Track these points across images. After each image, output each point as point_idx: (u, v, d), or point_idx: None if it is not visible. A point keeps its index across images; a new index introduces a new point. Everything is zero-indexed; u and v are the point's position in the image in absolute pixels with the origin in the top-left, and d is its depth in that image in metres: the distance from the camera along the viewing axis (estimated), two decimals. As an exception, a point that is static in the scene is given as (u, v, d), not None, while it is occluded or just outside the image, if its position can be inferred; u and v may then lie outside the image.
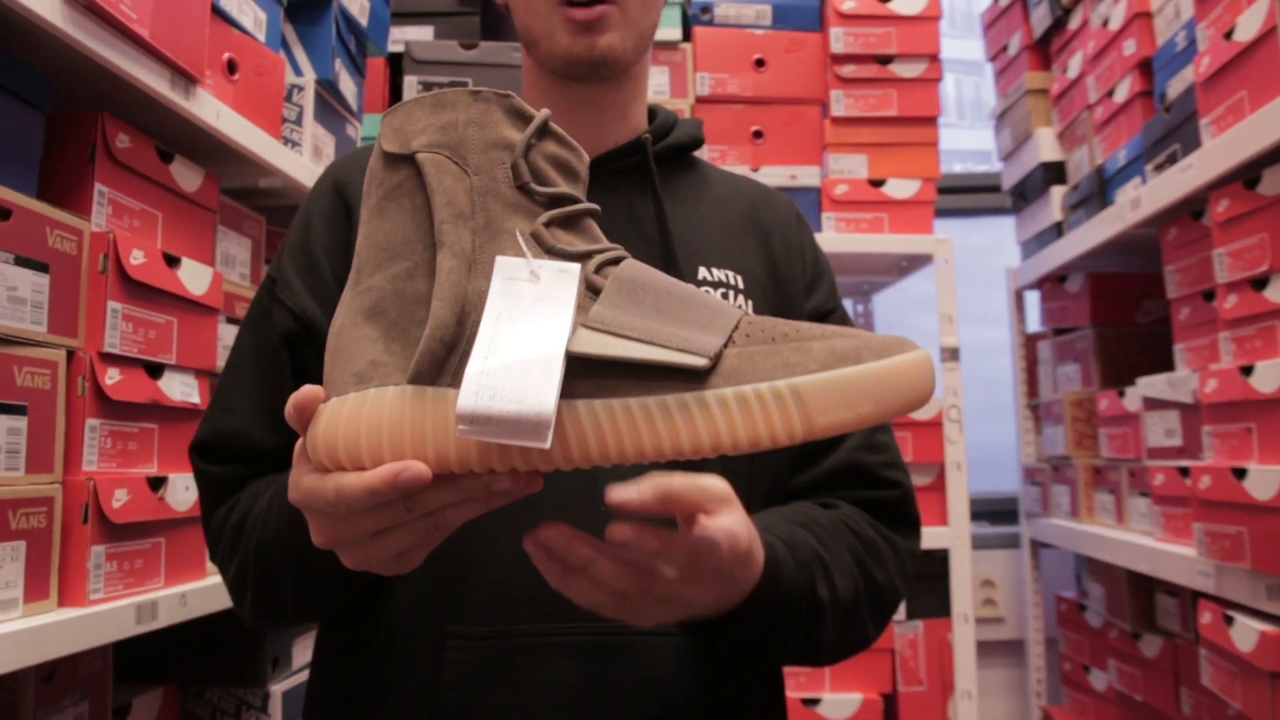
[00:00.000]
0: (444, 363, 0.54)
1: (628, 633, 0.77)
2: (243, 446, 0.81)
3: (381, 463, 0.53)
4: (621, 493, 0.56)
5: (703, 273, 0.87)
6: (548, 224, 0.58)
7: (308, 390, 0.56)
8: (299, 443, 0.58)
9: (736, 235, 0.91)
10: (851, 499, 0.86)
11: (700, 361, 0.52)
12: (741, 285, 0.88)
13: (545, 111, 0.60)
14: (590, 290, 0.56)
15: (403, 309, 0.57)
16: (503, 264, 0.56)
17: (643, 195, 0.88)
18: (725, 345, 0.54)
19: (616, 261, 0.59)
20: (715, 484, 0.61)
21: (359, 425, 0.53)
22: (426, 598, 0.77)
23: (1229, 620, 1.32)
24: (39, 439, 0.93)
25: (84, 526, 0.96)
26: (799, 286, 0.92)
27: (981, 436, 2.51)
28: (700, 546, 0.59)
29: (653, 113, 0.94)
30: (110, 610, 0.97)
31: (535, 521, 0.60)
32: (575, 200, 0.60)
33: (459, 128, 0.59)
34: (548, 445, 0.50)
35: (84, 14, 0.94)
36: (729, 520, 0.61)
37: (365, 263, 0.58)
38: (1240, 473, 1.26)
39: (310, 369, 0.81)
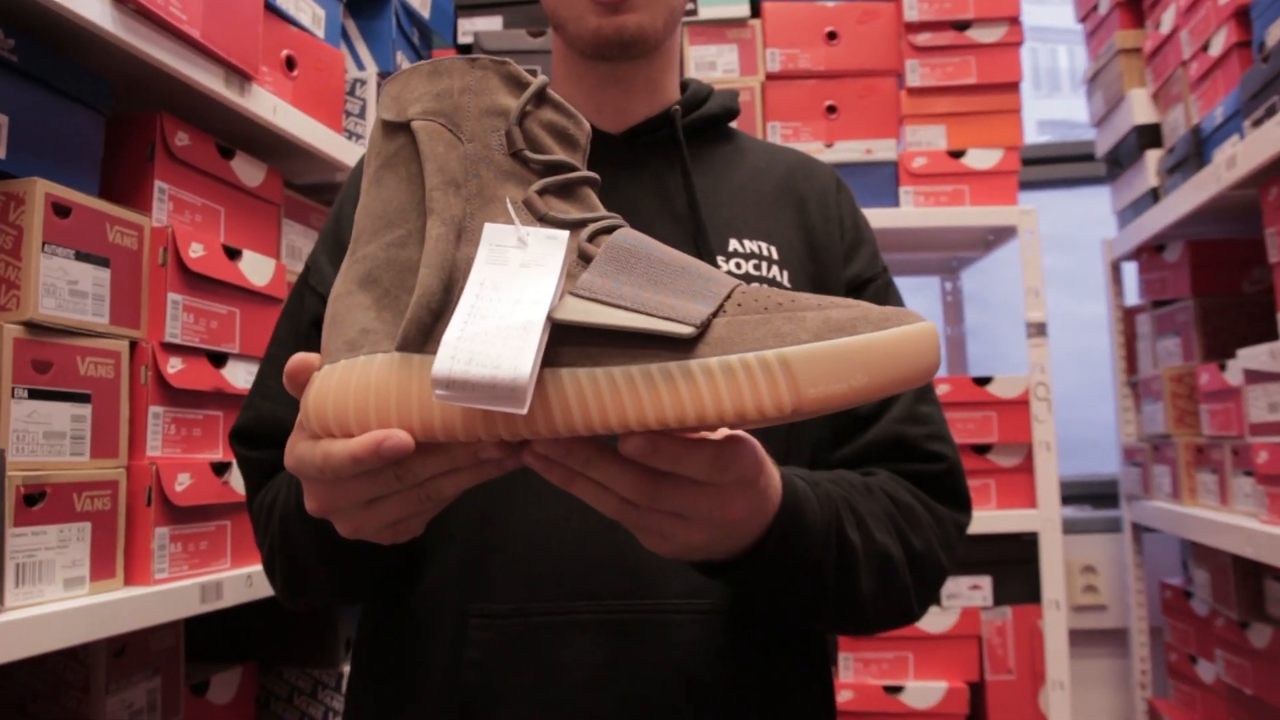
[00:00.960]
0: (431, 330, 0.54)
1: (653, 610, 0.76)
2: (280, 431, 0.82)
3: (368, 430, 0.53)
4: (633, 442, 0.53)
5: (734, 245, 0.85)
6: (541, 192, 0.57)
7: (301, 357, 0.57)
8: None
9: (771, 205, 0.89)
10: (894, 472, 0.83)
11: (686, 330, 0.51)
12: (776, 256, 0.86)
13: (542, 78, 0.60)
14: (582, 259, 0.56)
15: (395, 277, 0.57)
16: (491, 231, 0.55)
17: (671, 168, 0.87)
18: (715, 314, 0.53)
19: (611, 230, 0.58)
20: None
21: (347, 392, 0.54)
22: (452, 577, 0.78)
23: (1337, 607, 1.23)
24: (103, 425, 0.97)
25: (148, 509, 1.00)
26: (837, 254, 0.89)
27: (1081, 416, 2.40)
28: (724, 448, 0.56)
29: (685, 85, 0.93)
30: (175, 589, 1.02)
31: (562, 502, 0.58)
32: (571, 168, 0.59)
33: (454, 95, 0.59)
34: (524, 410, 0.50)
35: (135, 18, 0.98)
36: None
37: (362, 231, 0.59)
38: (1345, 448, 1.17)
39: None
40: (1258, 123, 1.49)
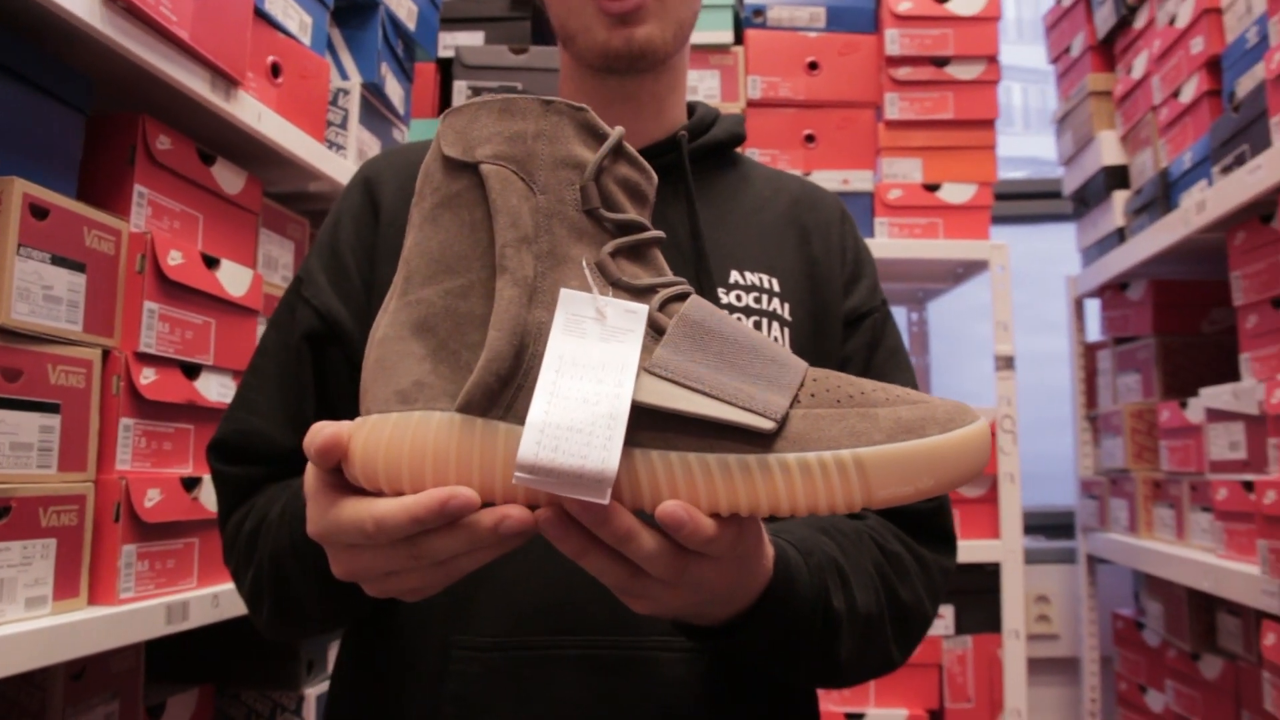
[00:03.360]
0: (497, 395, 0.52)
1: (638, 647, 0.74)
2: (263, 447, 0.80)
3: (422, 490, 0.52)
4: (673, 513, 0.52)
5: (735, 276, 0.84)
6: (614, 253, 0.56)
7: (336, 431, 0.54)
8: (311, 475, 0.57)
9: (775, 236, 0.88)
10: (881, 511, 0.83)
11: (768, 425, 0.51)
12: (777, 289, 0.85)
13: (619, 129, 0.58)
14: (653, 329, 0.54)
15: (454, 328, 0.55)
16: (567, 298, 0.54)
17: (676, 195, 0.86)
18: (791, 405, 0.53)
19: (681, 297, 0.56)
20: None
21: (401, 448, 0.52)
22: (435, 608, 0.75)
23: (1295, 646, 1.26)
24: (72, 437, 0.94)
25: (115, 525, 0.97)
26: (837, 286, 0.88)
27: (1039, 449, 2.44)
28: (745, 526, 0.55)
29: (691, 108, 0.92)
30: (140, 609, 0.98)
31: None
32: (643, 228, 0.57)
33: (528, 140, 0.56)
34: (606, 502, 0.49)
35: (124, 16, 0.95)
36: None
37: (415, 272, 0.56)
38: (1309, 491, 1.20)
39: (332, 368, 0.80)
40: (1227, 170, 1.53)
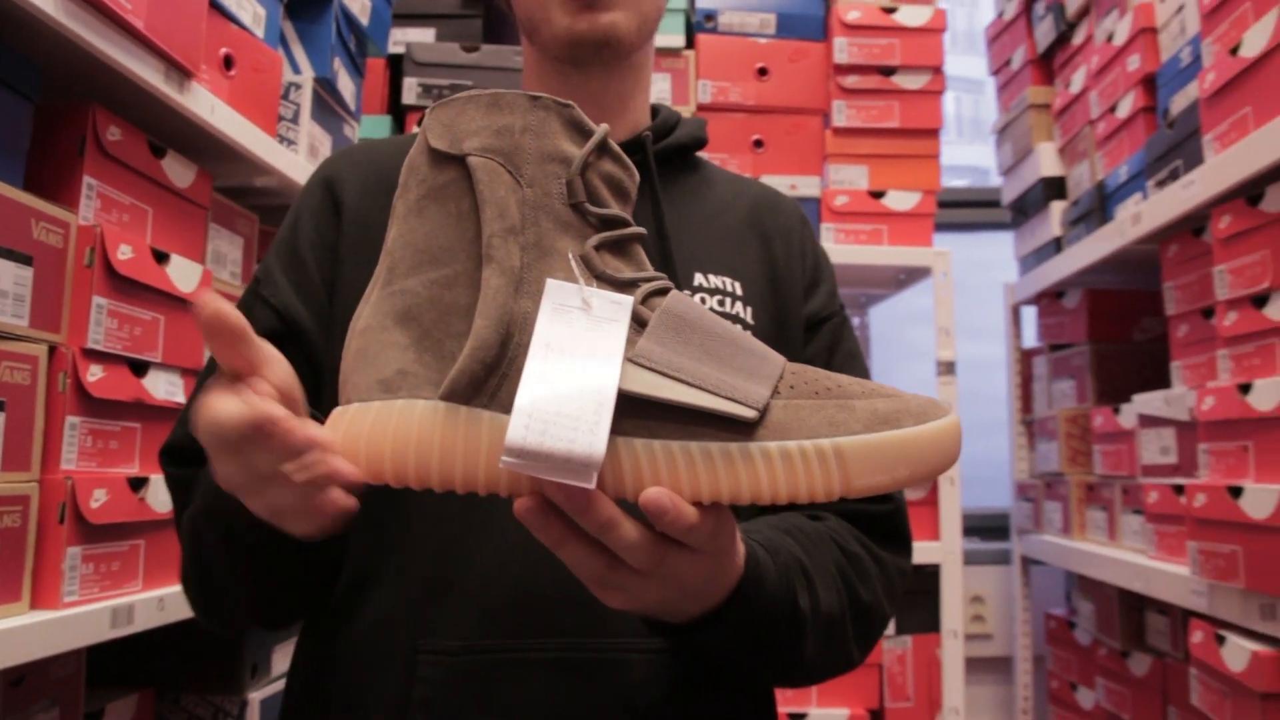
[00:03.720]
0: (482, 383, 0.53)
1: (607, 649, 0.75)
2: None
3: (406, 478, 0.52)
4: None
5: (699, 279, 0.85)
6: (597, 247, 0.57)
7: (229, 311, 0.52)
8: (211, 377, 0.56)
9: (737, 240, 0.89)
10: (841, 512, 0.84)
11: (750, 413, 0.52)
12: (740, 292, 0.86)
13: (604, 127, 0.59)
14: (636, 321, 0.55)
15: (438, 318, 0.55)
16: (554, 288, 0.54)
17: (641, 197, 0.86)
18: (771, 396, 0.54)
19: (662, 292, 0.57)
20: None
21: (384, 436, 0.52)
22: (400, 610, 0.75)
23: (1220, 640, 1.31)
24: (16, 436, 0.91)
25: (60, 527, 0.94)
26: (798, 290, 0.90)
27: (974, 452, 2.50)
28: (722, 518, 0.56)
29: (655, 111, 0.93)
30: (85, 613, 0.95)
31: (515, 539, 0.57)
32: (626, 223, 0.58)
33: (515, 134, 0.57)
34: (592, 486, 0.50)
35: (78, 3, 0.93)
36: None
37: (399, 262, 0.56)
38: (1236, 491, 1.25)
39: (293, 368, 0.79)
40: (1161, 184, 1.58)
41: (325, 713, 0.78)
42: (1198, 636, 1.38)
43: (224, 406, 0.52)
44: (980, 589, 2.42)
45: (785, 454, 0.52)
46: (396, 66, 1.95)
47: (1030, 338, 2.32)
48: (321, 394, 0.79)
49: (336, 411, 0.54)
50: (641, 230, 0.59)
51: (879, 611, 0.81)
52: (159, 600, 1.06)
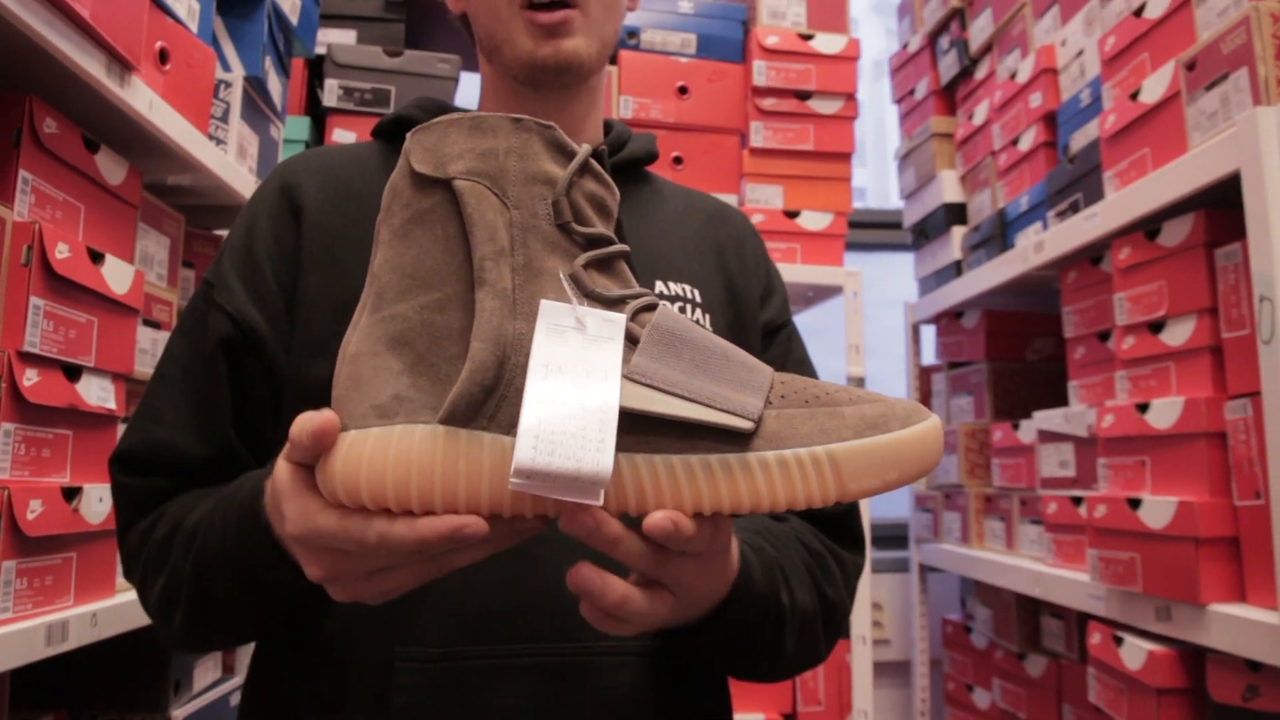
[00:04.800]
0: (481, 406, 0.53)
1: (584, 653, 0.76)
2: (171, 458, 0.76)
3: (408, 504, 0.52)
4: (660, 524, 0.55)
5: (660, 286, 0.87)
6: (586, 265, 0.57)
7: (326, 418, 0.53)
8: (287, 474, 0.56)
9: (693, 250, 0.92)
10: (800, 514, 0.88)
11: (747, 425, 0.53)
12: (699, 299, 0.88)
13: (587, 147, 0.60)
14: (628, 338, 0.56)
15: (432, 342, 0.55)
16: (548, 308, 0.55)
17: None
18: (764, 406, 0.55)
19: (650, 308, 0.58)
20: None
21: (385, 463, 0.52)
22: (374, 616, 0.74)
23: (1119, 640, 1.41)
24: (-48, 443, 0.86)
25: (-3, 539, 0.89)
26: (754, 300, 0.93)
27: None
28: (719, 522, 0.58)
29: (608, 126, 0.95)
30: (20, 631, 0.90)
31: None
32: (611, 241, 0.59)
33: (499, 156, 0.57)
34: (599, 503, 0.51)
35: (23, -11, 0.88)
36: None
37: (387, 287, 0.56)
38: (1135, 502, 1.35)
39: (249, 378, 0.78)
40: (1062, 215, 1.69)
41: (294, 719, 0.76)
42: (1096, 638, 1.47)
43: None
44: (878, 596, 2.51)
45: (783, 463, 0.53)
46: (316, 68, 1.91)
47: (929, 355, 2.43)
48: (282, 406, 0.78)
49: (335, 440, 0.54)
50: (625, 248, 0.60)
51: (842, 608, 0.85)
52: (92, 616, 1.01)
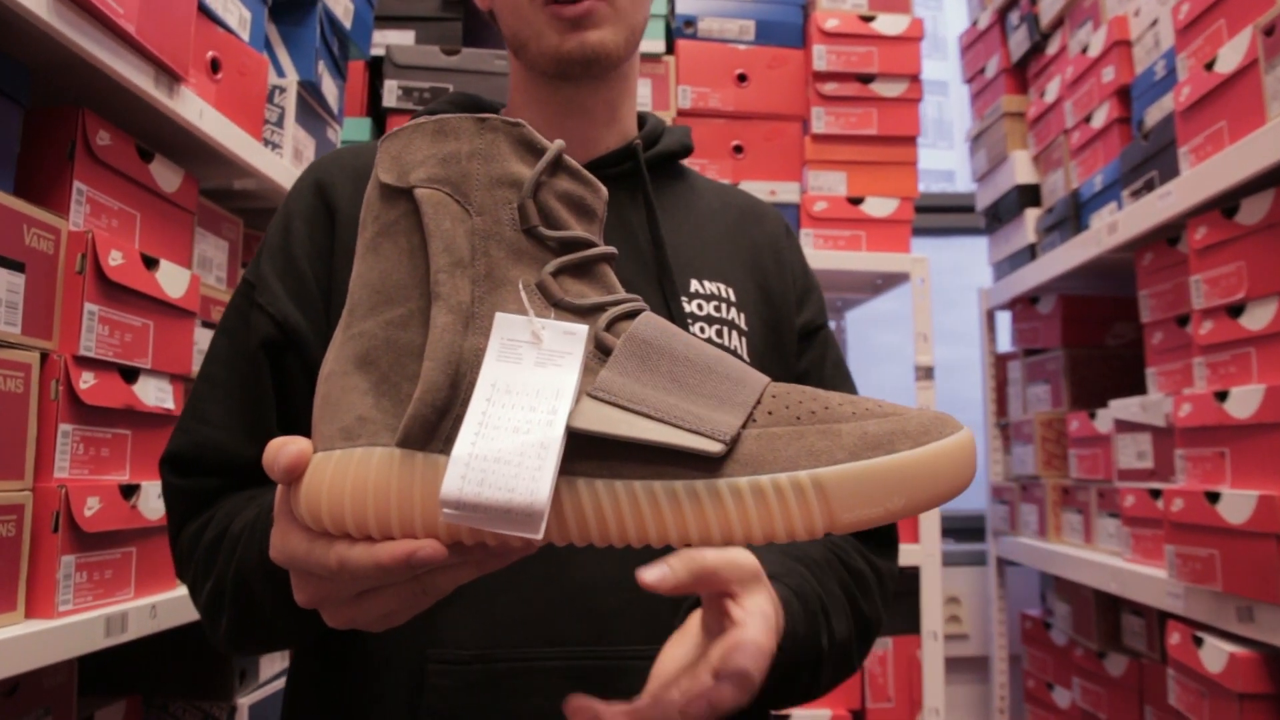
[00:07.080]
0: (435, 427, 0.50)
1: (615, 657, 0.75)
2: (219, 459, 0.77)
3: (366, 528, 0.50)
4: (654, 574, 0.54)
5: (695, 285, 0.85)
6: (556, 272, 0.53)
7: (299, 449, 0.52)
8: (279, 496, 0.55)
9: (727, 248, 0.90)
10: None
11: (715, 447, 0.48)
12: (734, 298, 0.87)
13: (559, 143, 0.55)
14: (600, 349, 0.52)
15: (395, 361, 0.52)
16: (502, 322, 0.51)
17: (634, 204, 0.86)
18: (744, 425, 0.49)
19: (631, 315, 0.53)
20: (745, 560, 0.61)
21: (344, 487, 0.50)
22: (410, 621, 0.75)
23: (1198, 641, 1.34)
24: (9, 444, 0.89)
25: (54, 536, 0.93)
26: (790, 300, 0.91)
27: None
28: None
29: (641, 119, 0.93)
30: (79, 622, 0.94)
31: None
32: (587, 244, 0.54)
33: (461, 160, 0.53)
34: (539, 536, 0.47)
35: (69, 7, 0.92)
36: (756, 607, 0.61)
37: (358, 304, 0.54)
38: (1213, 496, 1.28)
39: (291, 377, 0.79)
40: (1136, 194, 1.62)
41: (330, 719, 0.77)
42: (1175, 638, 1.41)
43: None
44: (956, 590, 2.45)
45: (757, 489, 0.47)
46: (376, 69, 1.94)
47: (1004, 342, 2.36)
48: None
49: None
50: (610, 250, 0.55)
51: (877, 621, 0.84)
52: (151, 608, 1.05)
